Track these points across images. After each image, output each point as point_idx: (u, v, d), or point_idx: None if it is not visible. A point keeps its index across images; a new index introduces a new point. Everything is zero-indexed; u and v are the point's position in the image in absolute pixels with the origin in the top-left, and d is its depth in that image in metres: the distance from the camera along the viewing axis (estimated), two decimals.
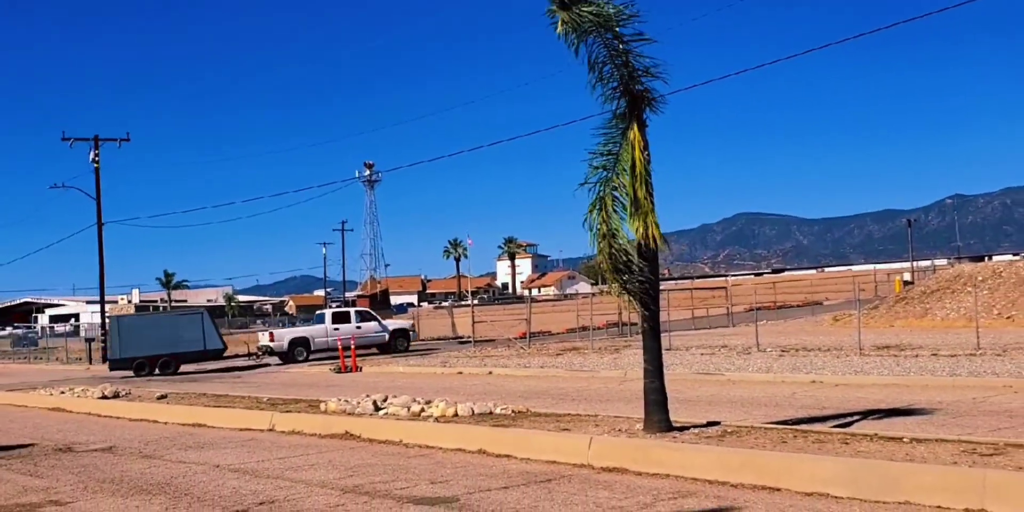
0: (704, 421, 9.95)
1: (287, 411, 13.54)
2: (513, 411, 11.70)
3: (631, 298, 9.51)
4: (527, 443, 9.55)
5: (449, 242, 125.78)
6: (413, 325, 36.46)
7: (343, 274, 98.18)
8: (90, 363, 40.04)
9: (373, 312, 37.25)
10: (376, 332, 33.23)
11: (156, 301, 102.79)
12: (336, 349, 30.52)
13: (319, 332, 32.24)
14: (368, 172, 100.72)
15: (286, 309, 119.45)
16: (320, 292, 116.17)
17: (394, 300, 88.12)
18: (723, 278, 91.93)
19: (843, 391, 14.37)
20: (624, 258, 9.29)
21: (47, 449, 12.22)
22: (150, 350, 30.44)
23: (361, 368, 26.06)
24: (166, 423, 14.63)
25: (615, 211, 9.37)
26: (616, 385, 17.24)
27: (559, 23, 8.91)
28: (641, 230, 9.21)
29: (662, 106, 9.49)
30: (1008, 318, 27.94)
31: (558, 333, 37.56)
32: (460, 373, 22.71)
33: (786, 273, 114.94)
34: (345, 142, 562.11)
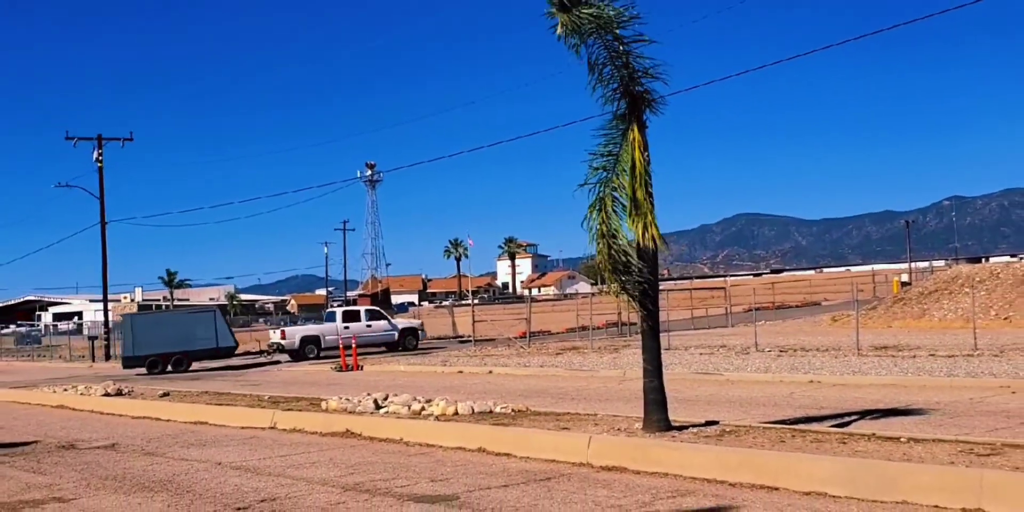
0: (703, 420, 9.99)
1: (288, 409, 13.59)
2: (513, 410, 11.75)
3: (630, 298, 9.54)
4: (527, 442, 9.60)
5: (450, 242, 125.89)
6: (422, 324, 36.54)
7: (344, 273, 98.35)
8: (93, 361, 40.10)
9: (383, 311, 37.42)
10: (386, 331, 33.43)
11: (159, 300, 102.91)
12: (347, 347, 30.85)
13: (330, 330, 32.37)
14: (369, 172, 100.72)
15: (288, 308, 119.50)
16: (321, 291, 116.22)
17: (395, 299, 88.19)
18: (722, 278, 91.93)
19: (841, 391, 14.41)
20: (623, 258, 9.31)
21: (50, 446, 12.27)
22: (163, 348, 30.59)
23: (362, 367, 26.12)
24: (168, 421, 14.68)
25: (615, 212, 9.39)
26: (615, 384, 17.29)
27: (559, 25, 8.94)
28: (640, 231, 9.24)
29: (662, 107, 9.53)
30: (1005, 319, 28.01)
31: (558, 333, 37.61)
32: (460, 372, 22.76)
33: (785, 274, 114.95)
34: (345, 142, 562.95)
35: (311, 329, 34.11)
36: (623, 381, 17.37)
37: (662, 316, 11.00)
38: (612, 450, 8.78)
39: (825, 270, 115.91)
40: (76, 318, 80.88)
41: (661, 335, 10.15)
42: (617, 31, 9.08)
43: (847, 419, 10.72)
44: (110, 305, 44.65)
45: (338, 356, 29.61)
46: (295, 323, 49.34)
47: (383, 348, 33.07)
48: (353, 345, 26.91)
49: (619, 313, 34.45)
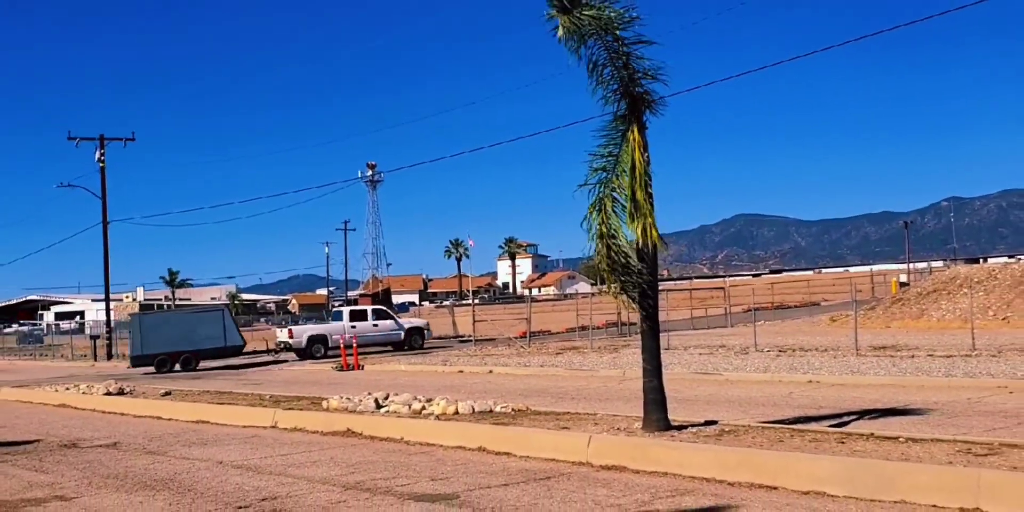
0: (702, 420, 10.02)
1: (289, 408, 13.62)
2: (513, 409, 11.79)
3: (630, 298, 9.56)
4: (527, 441, 9.63)
5: (450, 242, 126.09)
6: (428, 323, 36.60)
7: (345, 273, 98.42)
8: (95, 360, 40.15)
9: (389, 311, 37.53)
10: (392, 330, 33.56)
11: (160, 299, 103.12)
12: (353, 346, 30.97)
13: (337, 329, 32.45)
14: (370, 172, 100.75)
15: (289, 308, 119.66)
16: (323, 291, 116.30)
17: (396, 299, 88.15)
18: (721, 279, 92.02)
19: (840, 391, 14.43)
20: (623, 259, 9.33)
21: (52, 445, 12.31)
22: (171, 347, 30.67)
23: (363, 366, 26.16)
24: (170, 420, 14.71)
25: (614, 212, 9.41)
26: (615, 384, 17.33)
27: (559, 27, 8.96)
28: (640, 231, 9.26)
29: (662, 108, 9.54)
30: (1003, 319, 28.05)
31: (558, 332, 37.65)
32: (461, 371, 22.79)
33: (784, 274, 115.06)
34: (346, 142, 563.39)
35: (318, 328, 34.17)
36: (623, 381, 17.40)
37: (661, 316, 11.04)
38: (612, 449, 8.81)
39: (824, 271, 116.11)
40: (78, 317, 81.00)
41: (660, 335, 10.18)
42: (617, 32, 9.10)
43: (845, 419, 10.75)
44: (112, 304, 44.72)
45: (368, 353, 29.88)
46: (296, 322, 49.38)
47: (389, 347, 33.19)
48: (354, 345, 26.96)
49: (619, 313, 34.48)
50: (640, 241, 9.34)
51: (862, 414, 11.17)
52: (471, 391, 16.48)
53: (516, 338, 34.59)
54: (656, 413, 9.49)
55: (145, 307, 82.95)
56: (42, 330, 74.04)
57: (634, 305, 9.69)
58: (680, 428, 9.49)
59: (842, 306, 39.51)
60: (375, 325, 33.11)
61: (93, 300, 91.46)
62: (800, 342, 24.76)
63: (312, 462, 9.68)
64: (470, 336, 35.65)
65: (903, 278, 52.22)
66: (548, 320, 40.11)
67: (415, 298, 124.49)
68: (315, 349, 31.86)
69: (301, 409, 13.50)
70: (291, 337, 32.39)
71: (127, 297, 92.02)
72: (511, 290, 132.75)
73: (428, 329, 35.53)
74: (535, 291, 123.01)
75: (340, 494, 7.93)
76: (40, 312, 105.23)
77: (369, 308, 36.06)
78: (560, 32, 8.99)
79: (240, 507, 7.63)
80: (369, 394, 13.56)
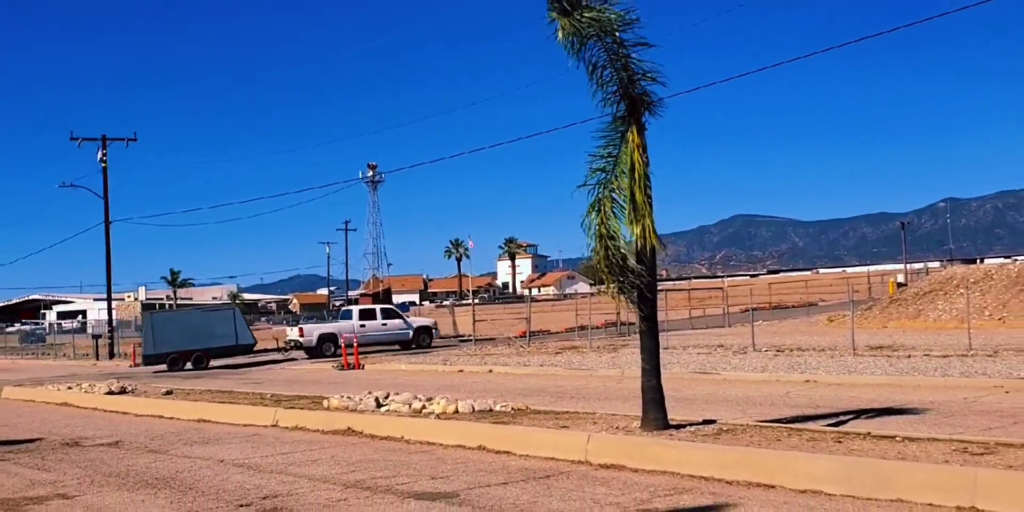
0: (700, 419, 10.06)
1: (290, 407, 13.66)
2: (513, 408, 11.83)
3: (628, 299, 9.61)
4: (526, 440, 9.67)
5: (451, 242, 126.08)
6: (435, 322, 36.72)
7: (346, 273, 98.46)
8: (97, 359, 40.23)
9: (398, 309, 37.65)
10: (401, 329, 33.71)
11: (162, 298, 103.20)
12: (362, 345, 31.14)
13: (346, 328, 32.50)
14: (371, 173, 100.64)
15: (290, 307, 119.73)
16: (323, 291, 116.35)
17: (396, 299, 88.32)
18: (720, 279, 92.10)
19: (837, 390, 14.48)
20: (622, 260, 9.36)
21: (54, 443, 12.34)
22: (183, 345, 30.78)
23: (363, 365, 26.21)
24: (172, 418, 14.75)
25: (613, 213, 9.44)
26: (614, 383, 17.38)
27: (559, 29, 9.01)
28: (639, 232, 9.29)
29: (661, 110, 9.58)
30: (999, 320, 28.13)
31: (557, 332, 37.72)
32: (461, 371, 22.84)
33: (782, 274, 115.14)
34: (347, 143, 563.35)
35: (329, 327, 34.25)
36: (621, 380, 17.46)
37: (660, 316, 11.09)
38: (611, 448, 8.85)
39: (821, 271, 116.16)
40: (80, 317, 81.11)
41: (659, 335, 10.23)
42: (617, 34, 9.15)
43: (843, 418, 10.79)
44: (113, 304, 44.82)
45: (368, 352, 30.01)
46: (298, 322, 49.55)
47: (396, 346, 33.33)
48: (355, 344, 27.10)
49: (618, 313, 34.54)
50: (639, 242, 9.38)
51: (859, 413, 11.21)
52: (471, 390, 16.52)
53: (516, 338, 34.68)
54: (655, 412, 9.54)
55: (147, 306, 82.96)
56: (44, 329, 74.07)
57: (633, 305, 9.74)
58: (678, 427, 9.53)
59: (839, 306, 39.57)
60: (384, 324, 33.33)
61: (95, 299, 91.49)
62: (798, 342, 24.83)
63: (313, 461, 9.72)
64: (470, 336, 35.71)
65: (900, 278, 52.33)
66: (547, 320, 40.18)
67: (415, 298, 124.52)
68: (325, 348, 32.00)
69: (302, 408, 13.54)
70: (302, 335, 32.59)
71: (129, 296, 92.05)
72: (511, 290, 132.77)
73: (436, 328, 35.66)
74: (535, 291, 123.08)
75: (341, 492, 7.97)
76: (42, 311, 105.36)
77: (378, 307, 36.29)
78: (560, 34, 9.04)
79: (241, 505, 7.66)
80: (370, 393, 13.61)
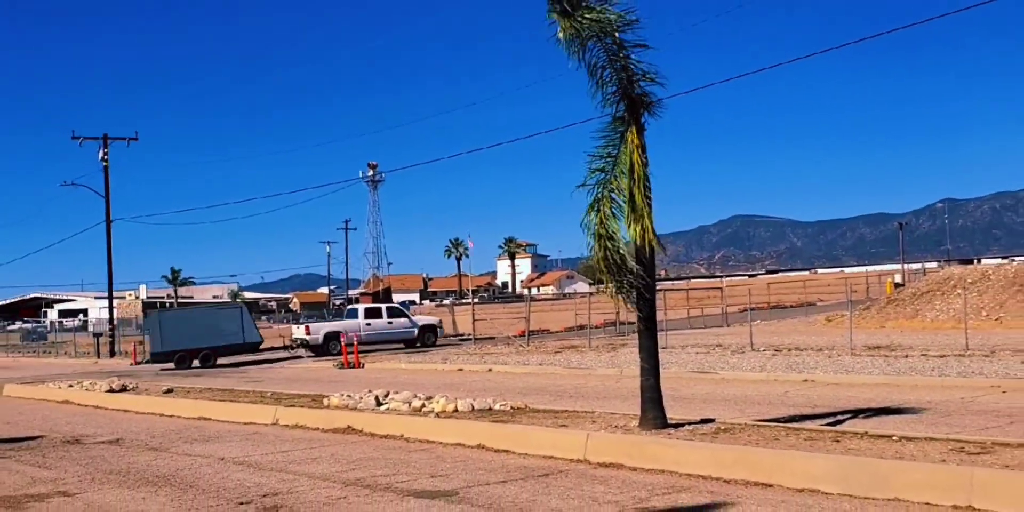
0: (698, 418, 10.10)
1: (291, 406, 13.70)
2: (512, 407, 11.87)
3: (627, 299, 9.64)
4: (525, 439, 9.70)
5: (450, 241, 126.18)
6: (440, 321, 36.81)
7: (346, 272, 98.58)
8: (98, 357, 40.34)
9: (403, 308, 37.77)
10: (406, 328, 33.86)
11: (163, 297, 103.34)
12: (369, 343, 31.30)
13: (353, 327, 32.67)
14: (371, 172, 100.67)
15: (290, 306, 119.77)
16: (324, 290, 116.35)
17: (396, 298, 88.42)
18: (718, 279, 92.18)
19: (835, 390, 14.52)
20: (620, 260, 9.38)
21: (55, 441, 12.36)
22: (191, 343, 30.84)
23: (364, 364, 26.26)
24: (172, 416, 14.78)
25: (612, 213, 9.47)
26: (613, 383, 17.42)
27: (560, 30, 9.04)
28: (638, 232, 9.32)
29: (660, 110, 9.61)
30: (996, 320, 28.20)
31: (556, 331, 37.76)
32: (460, 370, 22.88)
33: (780, 274, 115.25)
34: (347, 143, 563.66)
35: (335, 325, 34.34)
36: (620, 379, 17.51)
37: (659, 316, 11.13)
38: (609, 447, 8.88)
39: (820, 271, 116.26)
40: (81, 315, 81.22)
41: (658, 334, 10.27)
42: (616, 35, 9.18)
43: (840, 418, 10.83)
44: (115, 302, 44.90)
45: (368, 351, 30.17)
46: (298, 321, 49.68)
47: (397, 345, 33.44)
48: (355, 342, 27.18)
49: (617, 312, 34.60)
50: (638, 242, 9.41)
51: (857, 413, 11.24)
52: (470, 389, 16.55)
53: (515, 337, 34.76)
54: (653, 411, 9.58)
55: (148, 305, 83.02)
56: (45, 328, 74.04)
57: (631, 305, 9.76)
58: (677, 426, 9.57)
59: (838, 306, 39.64)
60: (390, 322, 33.52)
61: (96, 298, 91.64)
62: (796, 342, 24.88)
63: (313, 459, 9.75)
64: (470, 335, 35.77)
65: (898, 279, 52.38)
66: (547, 319, 40.23)
67: (415, 297, 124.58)
68: (332, 346, 32.10)
69: (302, 406, 13.58)
70: (308, 334, 32.73)
71: (130, 295, 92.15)
72: (510, 289, 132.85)
73: (441, 326, 35.80)
74: (534, 290, 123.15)
75: (340, 490, 7.99)
76: (44, 310, 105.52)
77: (384, 306, 36.48)
78: (560, 35, 9.07)
79: (241, 503, 7.68)
80: (370, 392, 13.64)
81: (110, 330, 42.53)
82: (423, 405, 12.30)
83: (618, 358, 22.49)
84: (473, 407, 11.84)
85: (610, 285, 9.64)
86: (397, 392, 13.56)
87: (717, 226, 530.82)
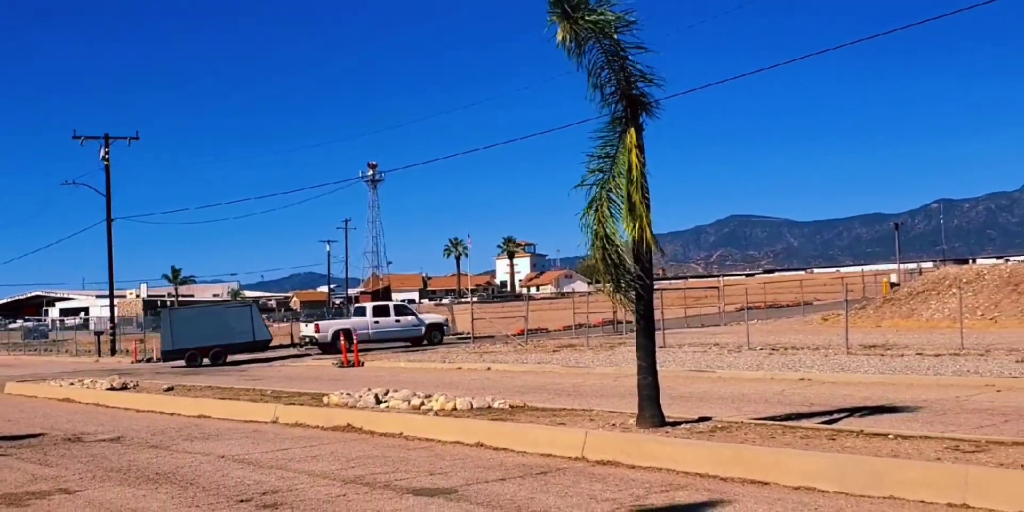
0: (696, 417, 10.15)
1: (290, 404, 13.74)
2: (510, 405, 11.91)
3: (625, 298, 9.69)
4: (524, 436, 9.74)
5: (450, 241, 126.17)
6: (447, 320, 36.90)
7: (346, 271, 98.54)
8: (99, 356, 40.39)
9: (410, 306, 37.91)
10: (413, 325, 34.05)
11: (163, 296, 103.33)
12: (376, 341, 31.41)
13: (361, 324, 32.86)
14: (371, 172, 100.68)
15: (291, 305, 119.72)
16: (324, 288, 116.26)
17: (396, 297, 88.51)
18: (715, 278, 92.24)
19: (831, 388, 14.56)
20: (618, 259, 9.42)
21: (56, 439, 12.41)
22: (201, 341, 31.01)
23: (363, 363, 26.31)
24: (173, 414, 14.83)
25: (610, 213, 9.51)
26: (611, 381, 17.47)
27: (560, 31, 9.08)
28: (635, 232, 9.35)
29: (658, 111, 9.66)
30: (991, 319, 28.29)
31: (555, 330, 37.80)
32: (459, 368, 22.91)
33: (777, 274, 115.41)
34: (348, 143, 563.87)
35: (343, 323, 34.49)
36: (618, 378, 17.55)
37: (656, 315, 11.16)
38: (607, 445, 8.92)
39: (816, 271, 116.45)
40: (83, 313, 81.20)
41: (655, 333, 10.31)
42: (615, 36, 9.20)
43: (836, 416, 10.87)
44: (116, 301, 44.94)
45: (368, 349, 30.28)
46: (298, 319, 49.82)
47: (408, 343, 33.57)
48: (355, 342, 27.31)
49: (615, 311, 34.67)
50: (635, 242, 9.46)
51: (852, 411, 11.29)
52: (469, 387, 16.58)
53: (514, 336, 34.81)
54: (651, 409, 9.62)
55: (149, 303, 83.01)
56: (47, 326, 73.96)
57: (629, 304, 9.80)
58: (674, 424, 9.61)
59: (834, 306, 39.73)
60: (397, 320, 33.71)
61: (97, 296, 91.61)
62: (792, 341, 24.96)
63: (312, 457, 9.79)
64: (468, 334, 35.81)
65: (893, 278, 52.47)
66: (545, 318, 40.28)
67: (415, 296, 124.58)
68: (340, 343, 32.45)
69: (302, 405, 13.63)
70: (317, 331, 32.89)
71: (131, 294, 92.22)
72: (509, 289, 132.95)
73: (447, 325, 35.93)
74: (533, 290, 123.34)
75: (340, 488, 8.02)
76: (45, 308, 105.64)
77: (391, 304, 36.74)
78: (560, 36, 9.10)
79: (241, 501, 7.71)
80: (369, 390, 13.68)
81: (111, 328, 42.61)
82: (422, 403, 12.34)
83: (616, 357, 22.56)
84: (472, 405, 11.88)
85: (608, 284, 9.68)
86: (396, 390, 13.60)
87: (714, 226, 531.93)
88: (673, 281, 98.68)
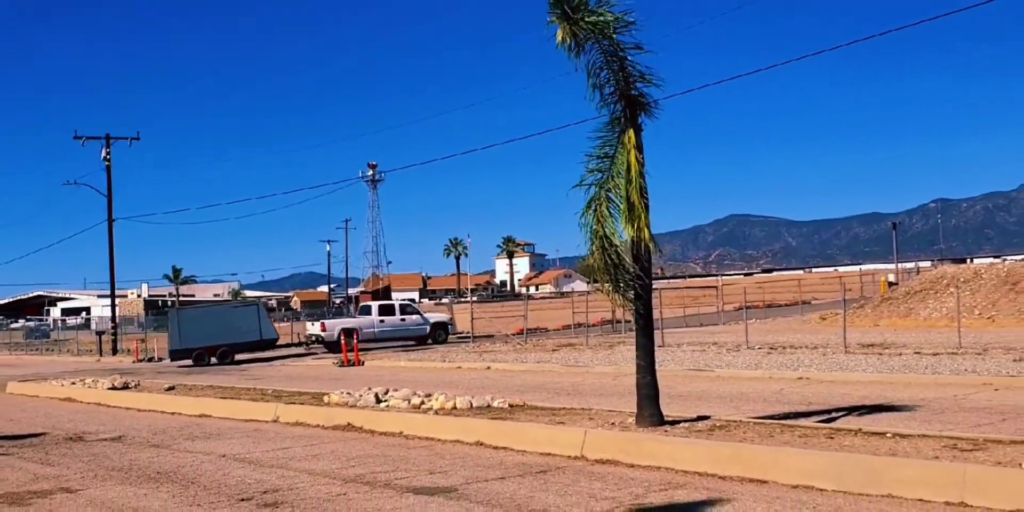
0: (694, 415, 10.17)
1: (291, 403, 13.77)
2: (510, 405, 11.93)
3: (623, 297, 9.71)
4: (523, 435, 9.76)
5: (449, 241, 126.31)
6: (452, 318, 37.06)
7: (346, 271, 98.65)
8: (100, 355, 40.46)
9: (415, 305, 38.04)
10: (418, 324, 34.24)
11: (164, 295, 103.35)
12: (382, 340, 31.43)
13: (367, 323, 33.04)
14: (371, 172, 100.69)
15: (291, 304, 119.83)
16: (324, 288, 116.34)
17: (395, 297, 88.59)
18: (714, 278, 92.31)
19: (829, 387, 14.58)
20: (617, 259, 9.44)
21: (58, 438, 12.44)
22: (209, 340, 31.14)
23: (363, 362, 26.35)
24: (174, 414, 14.85)
25: (609, 213, 9.52)
26: (610, 380, 17.51)
27: (560, 32, 9.10)
28: (634, 232, 9.38)
29: (657, 111, 9.68)
30: (989, 318, 28.35)
31: (554, 330, 37.87)
32: (459, 368, 22.95)
33: (775, 273, 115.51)
34: (348, 143, 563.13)
35: (350, 322, 34.66)
36: (617, 377, 17.59)
37: (655, 314, 11.19)
38: (606, 444, 8.94)
39: (814, 270, 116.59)
40: (84, 313, 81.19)
41: (654, 332, 10.34)
42: (614, 36, 9.23)
43: (834, 415, 10.90)
44: (117, 301, 45.02)
45: (373, 348, 30.43)
46: (299, 319, 49.97)
47: (412, 341, 33.70)
48: (355, 341, 27.41)
49: (613, 311, 34.74)
50: (634, 241, 9.49)
51: (851, 410, 11.32)
52: (469, 387, 16.61)
53: (513, 335, 34.90)
54: (649, 408, 9.65)
55: (150, 303, 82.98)
56: (48, 325, 74.03)
57: (628, 304, 9.82)
58: (673, 423, 9.63)
59: (832, 305, 39.82)
60: (403, 319, 33.90)
61: (98, 296, 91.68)
62: (790, 340, 25.01)
63: (313, 456, 9.81)
64: (468, 333, 35.87)
65: (892, 278, 52.54)
66: (544, 317, 40.32)
67: (415, 295, 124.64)
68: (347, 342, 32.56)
69: (302, 404, 13.65)
70: (323, 330, 33.02)
71: (132, 293, 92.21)
72: (508, 288, 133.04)
73: (452, 324, 36.07)
74: (532, 289, 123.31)
75: (340, 487, 8.04)
76: (47, 308, 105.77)
77: (397, 303, 36.93)
78: (560, 37, 9.12)
79: (242, 499, 7.73)
80: (369, 389, 13.70)
81: (112, 328, 42.73)
82: (422, 402, 12.37)
83: (615, 356, 22.60)
84: (472, 404, 11.91)
85: (607, 284, 9.68)
86: (396, 389, 13.63)
87: (713, 225, 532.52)
88: (672, 280, 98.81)
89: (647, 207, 9.46)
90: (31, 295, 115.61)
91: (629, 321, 26.50)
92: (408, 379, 19.50)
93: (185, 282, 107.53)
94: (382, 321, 33.28)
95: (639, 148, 9.53)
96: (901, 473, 7.00)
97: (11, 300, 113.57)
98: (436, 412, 11.69)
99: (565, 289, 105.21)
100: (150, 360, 36.21)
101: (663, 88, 9.64)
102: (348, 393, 13.61)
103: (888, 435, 8.56)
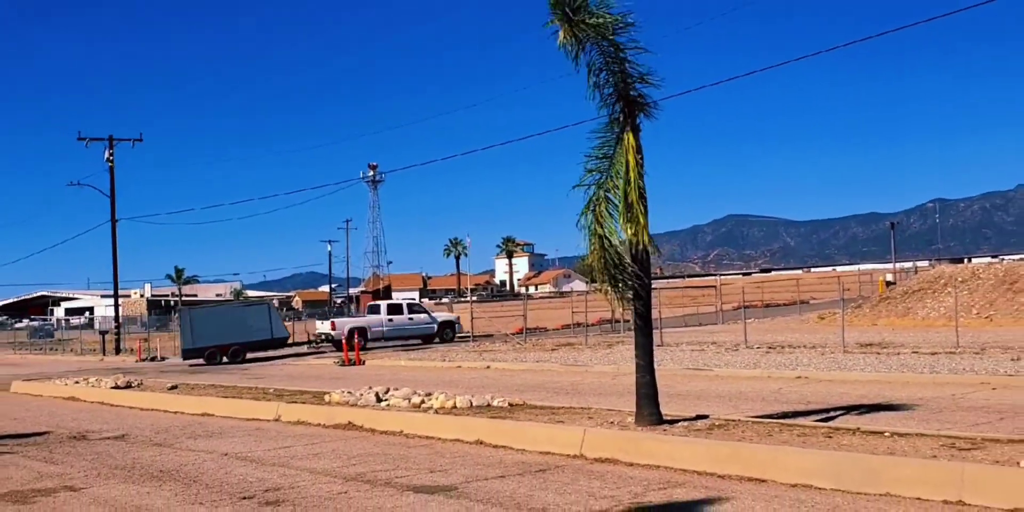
0: (693, 415, 10.21)
1: (292, 402, 13.81)
2: (510, 404, 11.98)
3: (622, 297, 9.74)
4: (523, 434, 9.80)
5: (449, 241, 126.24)
6: (458, 318, 37.22)
7: (347, 271, 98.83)
8: (104, 354, 40.55)
9: (423, 305, 38.21)
10: (426, 323, 34.54)
11: (167, 295, 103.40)
12: (391, 338, 31.63)
13: (376, 322, 33.29)
14: (372, 173, 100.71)
15: (292, 304, 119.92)
16: (325, 288, 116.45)
17: (396, 296, 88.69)
18: (713, 277, 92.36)
19: (827, 387, 14.61)
20: (616, 259, 9.47)
21: (62, 437, 12.49)
22: (220, 340, 31.30)
23: (364, 361, 26.41)
24: (176, 413, 14.89)
25: (608, 213, 9.55)
26: (609, 379, 17.54)
27: (560, 33, 9.15)
28: (632, 232, 9.42)
29: (656, 111, 9.71)
30: (986, 318, 28.40)
31: (553, 329, 37.94)
32: (459, 367, 22.98)
33: (773, 273, 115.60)
34: (349, 143, 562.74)
35: (359, 321, 34.83)
36: (616, 376, 17.63)
37: (654, 314, 11.26)
38: (605, 443, 8.97)
39: (812, 270, 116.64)
40: (88, 313, 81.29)
41: (653, 332, 10.38)
42: (613, 38, 9.28)
43: (833, 414, 10.93)
44: (120, 301, 45.14)
45: (382, 347, 30.54)
46: (299, 319, 50.17)
47: (419, 341, 33.94)
48: (356, 340, 27.56)
49: (612, 310, 34.76)
50: (633, 241, 9.52)
51: (849, 409, 11.35)
52: (469, 386, 16.64)
53: (513, 335, 34.97)
54: (649, 408, 9.68)
55: (153, 303, 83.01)
56: (52, 325, 74.17)
57: (627, 304, 9.85)
58: (672, 422, 9.66)
59: (830, 304, 39.88)
60: (410, 318, 34.18)
61: (102, 296, 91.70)
62: (789, 339, 25.06)
63: (314, 454, 9.85)
64: (468, 333, 35.95)
65: (890, 277, 52.57)
66: (544, 317, 40.37)
67: (415, 295, 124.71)
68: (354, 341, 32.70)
69: (304, 403, 13.70)
70: (333, 329, 33.18)
71: (135, 293, 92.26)
72: (508, 288, 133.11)
73: (459, 323, 36.25)
74: (531, 289, 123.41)
75: (341, 485, 8.07)
76: (50, 308, 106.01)
77: (405, 302, 37.29)
78: (560, 38, 9.17)
79: (244, 498, 7.77)
80: (370, 388, 13.74)
81: (115, 328, 42.93)
82: (422, 401, 12.41)
83: (614, 355, 22.64)
84: (472, 403, 11.95)
85: (606, 284, 9.71)
86: (397, 389, 13.67)
87: (711, 225, 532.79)
88: (671, 280, 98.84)
89: (646, 207, 9.49)
90: (35, 295, 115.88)
91: (628, 321, 26.53)
92: (408, 378, 19.55)
93: (188, 282, 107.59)
94: (391, 320, 33.60)
95: (638, 149, 9.57)
96: (899, 472, 7.03)
97: (15, 300, 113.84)
98: (436, 411, 11.73)
99: (564, 289, 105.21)
100: (153, 359, 36.29)
101: (662, 89, 9.69)
102: (349, 392, 13.66)
103: (886, 434, 8.59)
